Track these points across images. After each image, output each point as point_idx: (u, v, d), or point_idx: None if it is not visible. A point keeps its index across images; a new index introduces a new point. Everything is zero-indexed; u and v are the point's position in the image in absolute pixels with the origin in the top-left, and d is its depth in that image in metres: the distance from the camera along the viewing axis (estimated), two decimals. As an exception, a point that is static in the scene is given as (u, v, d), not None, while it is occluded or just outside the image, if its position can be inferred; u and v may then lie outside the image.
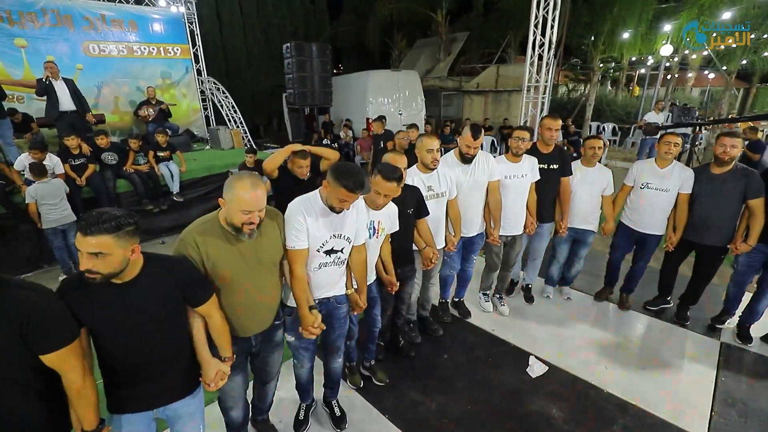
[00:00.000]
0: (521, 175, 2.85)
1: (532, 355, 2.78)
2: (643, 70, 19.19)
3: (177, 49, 8.55)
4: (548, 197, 3.05)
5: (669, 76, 14.16)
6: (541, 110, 5.28)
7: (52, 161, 4.60)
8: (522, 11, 11.97)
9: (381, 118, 5.99)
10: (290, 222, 1.70)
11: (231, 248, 1.54)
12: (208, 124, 9.29)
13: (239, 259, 1.56)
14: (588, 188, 3.07)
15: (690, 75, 16.09)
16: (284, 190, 2.64)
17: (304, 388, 2.19)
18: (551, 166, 2.97)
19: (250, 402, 2.02)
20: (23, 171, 4.51)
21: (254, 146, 8.37)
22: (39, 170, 4.03)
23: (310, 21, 17.22)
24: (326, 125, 9.91)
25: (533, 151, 2.95)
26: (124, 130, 7.77)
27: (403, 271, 2.45)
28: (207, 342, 1.52)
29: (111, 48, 7.67)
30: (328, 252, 1.81)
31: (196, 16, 8.67)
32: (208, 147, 8.20)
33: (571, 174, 3.04)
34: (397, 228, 2.23)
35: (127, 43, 7.84)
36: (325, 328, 1.82)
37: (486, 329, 3.12)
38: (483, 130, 2.69)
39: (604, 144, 8.56)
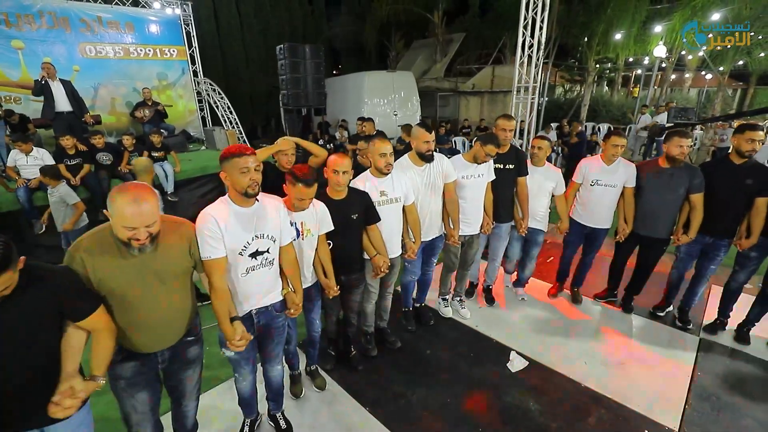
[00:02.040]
0: (478, 175, 2.84)
1: (513, 350, 2.84)
2: (639, 71, 19.26)
3: (173, 51, 8.62)
4: (505, 197, 3.06)
5: (665, 77, 14.21)
6: (532, 111, 5.33)
7: (39, 153, 4.68)
8: (518, 13, 12.06)
9: (371, 120, 5.89)
10: (202, 231, 1.59)
11: (122, 262, 1.42)
12: (204, 124, 9.36)
13: (132, 274, 1.44)
14: (535, 187, 3.11)
15: (687, 75, 16.15)
16: (272, 184, 2.66)
17: (246, 402, 2.11)
18: (507, 166, 2.99)
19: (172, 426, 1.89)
20: (15, 167, 4.59)
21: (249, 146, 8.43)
22: (54, 173, 4.08)
23: (308, 22, 17.28)
24: (322, 126, 9.98)
25: None
26: (121, 131, 7.82)
27: (349, 279, 2.39)
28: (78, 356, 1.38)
29: (107, 50, 7.75)
30: (254, 254, 1.74)
31: (192, 18, 8.73)
32: (203, 147, 8.26)
33: (528, 174, 3.06)
34: (332, 227, 2.17)
35: (123, 44, 7.91)
36: (252, 338, 1.77)
37: (470, 326, 3.18)
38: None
39: (598, 144, 8.68)
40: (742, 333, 2.92)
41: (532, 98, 5.24)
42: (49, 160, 4.69)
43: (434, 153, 2.57)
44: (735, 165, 2.66)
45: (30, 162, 4.57)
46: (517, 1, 11.86)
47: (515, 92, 5.31)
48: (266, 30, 15.63)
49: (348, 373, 2.65)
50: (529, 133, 5.42)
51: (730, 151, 2.74)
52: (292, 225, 1.94)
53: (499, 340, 2.99)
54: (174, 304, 1.60)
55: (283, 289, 1.94)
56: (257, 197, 1.70)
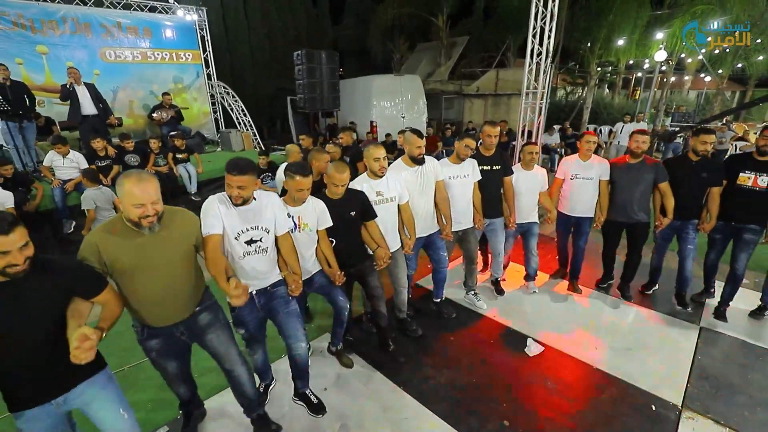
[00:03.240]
0: (464, 176, 3.12)
1: (529, 337, 3.09)
2: (639, 74, 19.56)
3: (189, 55, 8.89)
4: (494, 195, 3.37)
5: (665, 79, 14.50)
6: (539, 115, 5.60)
7: (75, 157, 4.92)
8: (521, 16, 12.35)
9: (351, 128, 5.62)
10: (207, 211, 1.89)
11: (131, 243, 1.63)
12: (217, 126, 9.62)
13: (140, 253, 1.64)
14: (527, 186, 3.49)
15: (687, 78, 16.43)
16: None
17: (261, 370, 2.44)
18: (494, 167, 3.31)
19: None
20: (51, 167, 4.83)
21: (265, 149, 8.67)
22: (93, 177, 4.30)
23: (312, 25, 17.56)
24: (331, 128, 10.23)
25: (476, 154, 3.25)
26: (138, 133, 8.08)
27: (363, 266, 2.62)
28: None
29: (126, 54, 8.01)
30: (248, 242, 2.00)
31: (206, 23, 8.99)
32: (219, 149, 8.51)
33: (512, 173, 3.41)
34: (330, 223, 2.40)
35: (141, 49, 8.18)
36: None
37: (488, 315, 3.44)
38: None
39: (600, 145, 8.94)
40: (719, 312, 3.30)
41: (541, 103, 5.50)
42: (84, 163, 4.94)
43: (424, 156, 2.86)
44: (692, 161, 3.14)
45: (66, 164, 4.83)
46: (520, 6, 12.19)
47: (523, 97, 5.57)
48: (271, 33, 15.90)
49: (380, 355, 2.90)
50: (538, 135, 5.69)
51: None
52: (289, 216, 2.22)
53: (515, 328, 3.25)
54: (179, 281, 1.81)
55: (282, 271, 2.20)
56: (254, 196, 2.00)
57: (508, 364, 2.84)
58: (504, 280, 3.89)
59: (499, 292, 3.76)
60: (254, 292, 2.10)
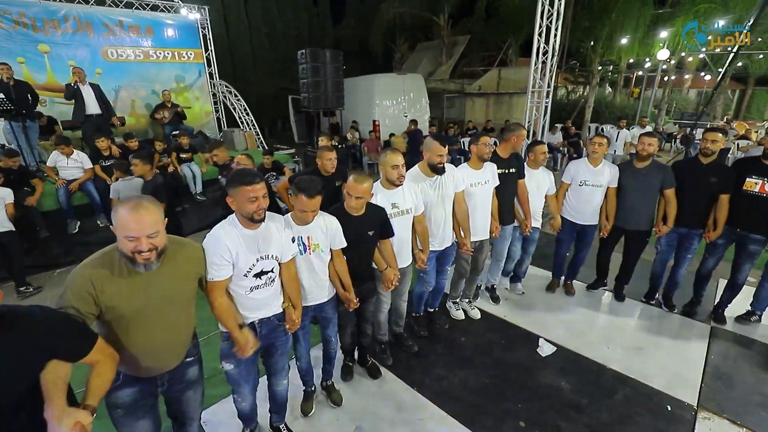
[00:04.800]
0: (484, 182, 2.90)
1: (541, 337, 3.08)
2: (640, 73, 19.57)
3: (191, 54, 8.83)
4: (509, 200, 3.18)
5: (666, 78, 14.50)
6: (544, 113, 5.59)
7: (80, 157, 4.89)
8: (523, 16, 12.35)
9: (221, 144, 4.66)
10: (213, 255, 1.62)
11: (130, 283, 1.37)
12: (219, 126, 9.58)
13: (141, 295, 1.40)
14: (535, 187, 3.30)
15: (687, 77, 16.45)
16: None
17: (247, 416, 2.13)
18: (509, 170, 3.09)
19: None
20: (55, 168, 4.81)
21: (269, 148, 8.66)
22: (124, 168, 4.16)
23: (313, 25, 17.55)
24: (334, 127, 10.21)
25: (493, 157, 3.03)
26: (140, 133, 8.03)
27: (360, 290, 2.35)
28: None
29: (128, 53, 7.95)
30: (258, 275, 1.77)
31: (208, 22, 8.95)
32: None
33: (525, 176, 3.21)
34: (344, 244, 2.13)
35: (143, 48, 8.12)
36: (260, 344, 1.81)
37: (498, 315, 3.42)
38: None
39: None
40: (718, 314, 3.29)
41: (546, 102, 5.49)
42: (88, 163, 4.91)
43: (444, 165, 2.58)
44: (702, 164, 2.99)
45: (70, 164, 4.80)
46: (522, 5, 12.18)
47: (529, 96, 5.56)
48: (272, 33, 15.87)
49: (393, 356, 2.88)
50: (542, 134, 5.67)
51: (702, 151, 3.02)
52: (294, 241, 1.93)
53: (526, 328, 3.23)
54: (180, 327, 1.58)
55: (283, 302, 1.96)
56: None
57: (521, 364, 2.83)
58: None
59: (495, 299, 3.61)
60: (256, 322, 1.87)
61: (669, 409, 2.41)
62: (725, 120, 13.45)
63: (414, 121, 9.45)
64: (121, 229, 1.29)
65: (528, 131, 5.77)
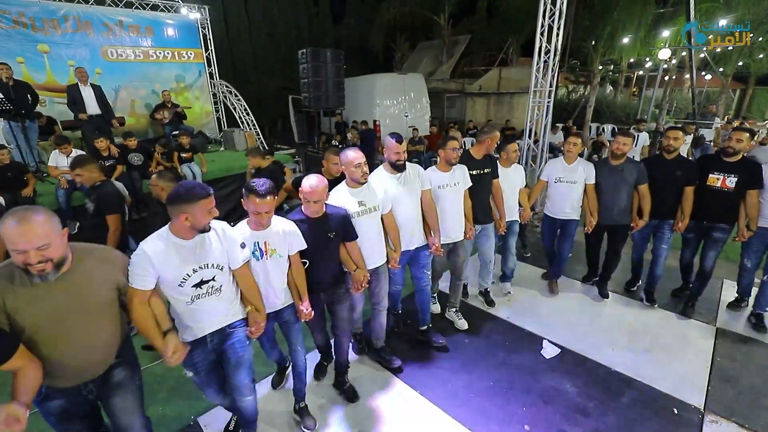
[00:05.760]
0: (453, 184, 2.86)
1: (545, 339, 3.05)
2: (641, 72, 19.54)
3: (191, 54, 8.80)
4: (485, 200, 3.20)
5: (666, 78, 14.47)
6: (548, 114, 5.56)
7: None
8: (523, 15, 12.32)
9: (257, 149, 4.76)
10: (135, 266, 1.59)
11: (31, 293, 1.33)
12: (219, 126, 9.55)
13: (43, 305, 1.35)
14: (509, 185, 3.40)
15: (687, 76, 16.38)
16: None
17: (225, 408, 2.14)
18: (484, 171, 3.11)
19: None
20: (56, 166, 4.78)
21: (269, 148, 8.62)
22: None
23: (314, 24, 17.52)
24: (338, 126, 10.19)
25: (466, 158, 3.03)
26: (140, 132, 8.00)
27: (335, 293, 2.33)
28: None
29: (128, 53, 7.92)
30: (198, 285, 1.71)
31: (209, 21, 8.92)
32: (222, 149, 8.45)
33: (498, 176, 3.26)
34: (304, 246, 2.09)
35: (143, 47, 8.09)
36: (187, 348, 1.74)
37: (502, 317, 3.40)
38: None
39: (603, 144, 8.89)
40: (688, 306, 3.40)
41: (548, 101, 5.45)
42: None
43: (405, 162, 2.57)
44: (667, 160, 3.20)
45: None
46: (523, 4, 12.14)
47: (531, 95, 5.52)
48: (273, 33, 15.84)
49: (392, 360, 2.85)
50: (544, 134, 5.64)
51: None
52: (243, 247, 1.86)
53: (530, 330, 3.20)
54: (97, 337, 1.52)
55: (246, 306, 1.93)
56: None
57: (525, 366, 2.80)
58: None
59: (489, 303, 3.56)
60: (207, 335, 1.83)
61: (676, 412, 2.38)
62: (726, 120, 13.44)
63: (364, 122, 9.62)
64: (8, 243, 1.25)
65: (530, 131, 5.73)
